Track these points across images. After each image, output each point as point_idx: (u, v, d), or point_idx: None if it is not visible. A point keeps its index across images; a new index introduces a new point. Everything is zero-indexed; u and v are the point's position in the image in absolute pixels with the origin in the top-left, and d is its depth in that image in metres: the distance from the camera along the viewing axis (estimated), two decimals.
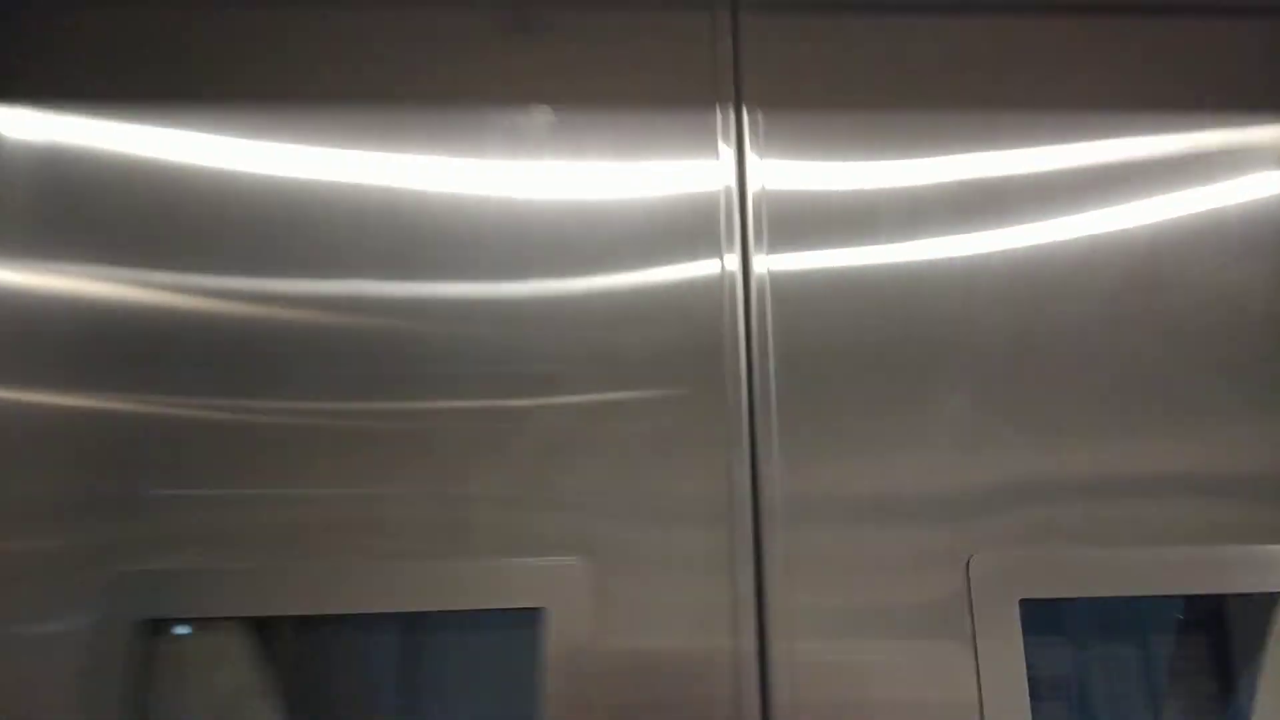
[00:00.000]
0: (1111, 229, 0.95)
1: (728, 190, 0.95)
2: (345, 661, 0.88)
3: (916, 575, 0.85)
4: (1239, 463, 0.91)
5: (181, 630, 0.83)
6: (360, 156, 0.95)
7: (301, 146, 0.95)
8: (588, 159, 0.95)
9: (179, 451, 0.87)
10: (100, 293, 0.90)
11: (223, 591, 0.83)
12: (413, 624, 0.90)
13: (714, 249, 0.92)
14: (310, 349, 0.89)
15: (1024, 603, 0.86)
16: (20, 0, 0.94)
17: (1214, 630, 0.92)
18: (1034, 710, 0.84)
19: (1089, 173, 0.97)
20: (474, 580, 0.83)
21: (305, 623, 0.88)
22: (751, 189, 0.96)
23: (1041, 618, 0.87)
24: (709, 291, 0.91)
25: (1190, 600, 0.94)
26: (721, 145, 0.96)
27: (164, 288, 0.90)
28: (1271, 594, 0.88)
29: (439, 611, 0.84)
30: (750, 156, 0.97)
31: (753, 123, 0.98)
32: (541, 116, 0.93)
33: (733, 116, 0.98)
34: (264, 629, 0.87)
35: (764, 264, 0.93)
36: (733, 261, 0.92)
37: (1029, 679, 0.84)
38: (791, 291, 0.92)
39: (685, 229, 0.93)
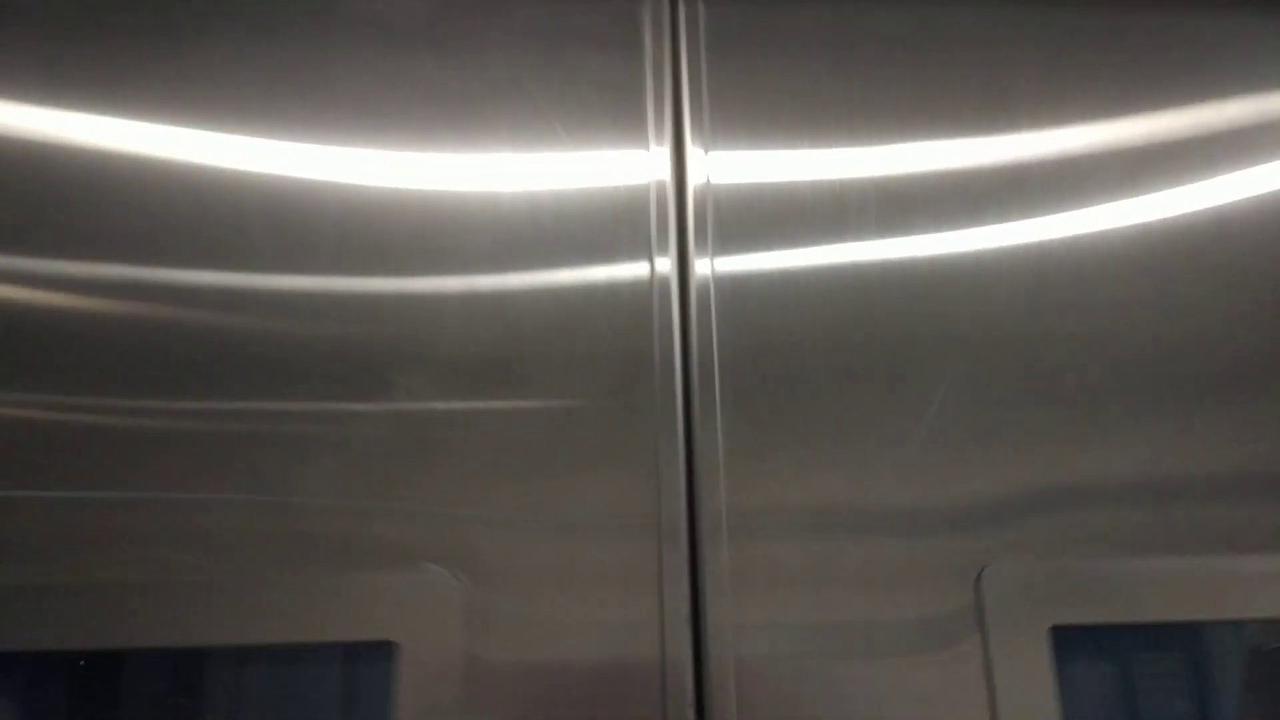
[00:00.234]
0: (1107, 220, 0.90)
1: (660, 185, 0.87)
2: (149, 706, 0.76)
3: (899, 590, 0.78)
4: None
5: None
6: (215, 137, 0.87)
7: (129, 122, 0.86)
8: (499, 148, 0.88)
9: None
10: None
11: None
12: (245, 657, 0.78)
13: (643, 249, 0.84)
14: (130, 340, 0.80)
15: (1057, 630, 0.78)
16: None
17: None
18: None
19: (1081, 160, 0.92)
20: (317, 603, 0.75)
21: (97, 659, 0.76)
22: (693, 182, 0.88)
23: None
24: (635, 295, 0.83)
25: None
26: (653, 135, 0.88)
27: None
28: None
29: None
30: (693, 148, 0.89)
31: (695, 110, 0.90)
32: None
33: (669, 104, 0.90)
34: (45, 665, 0.76)
35: (707, 265, 0.85)
36: (665, 263, 0.84)
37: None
38: (742, 294, 0.85)
39: (608, 226, 0.85)
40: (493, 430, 0.79)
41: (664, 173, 0.88)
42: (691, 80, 0.91)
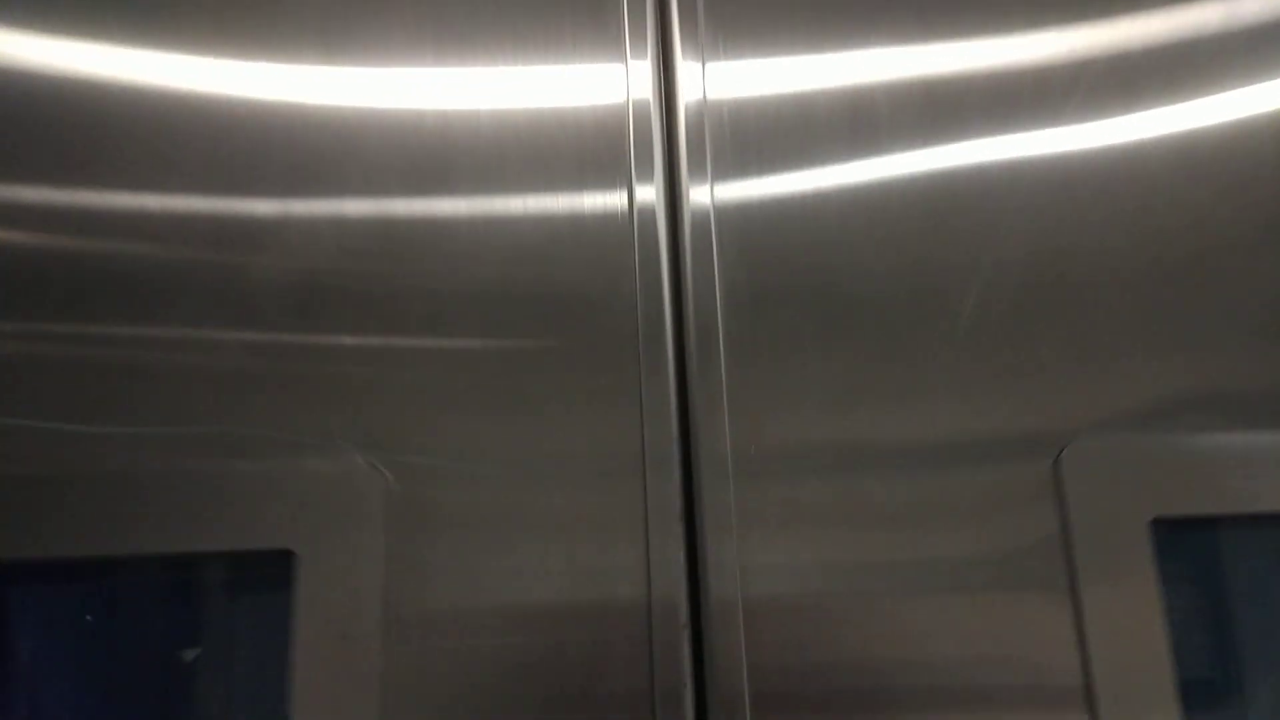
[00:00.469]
0: (1148, 130, 0.83)
1: (640, 104, 0.81)
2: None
3: (950, 522, 0.74)
4: None
5: None
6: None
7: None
8: (466, 62, 0.82)
9: None
10: None
11: None
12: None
13: (619, 176, 0.79)
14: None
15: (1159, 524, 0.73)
16: None
17: None
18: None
19: (1134, 54, 0.85)
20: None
21: None
22: (684, 99, 0.81)
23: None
24: (610, 227, 0.79)
25: None
26: (630, 48, 0.82)
27: None
28: None
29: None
30: (684, 61, 0.82)
31: (687, 18, 0.83)
32: None
33: (652, 12, 0.83)
34: None
35: (705, 192, 0.80)
36: (649, 192, 0.79)
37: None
38: (748, 221, 0.80)
39: (575, 152, 0.80)
40: (451, 369, 0.76)
41: (645, 90, 0.81)
42: None
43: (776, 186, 0.80)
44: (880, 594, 0.72)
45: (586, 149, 0.79)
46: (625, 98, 0.80)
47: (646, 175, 0.78)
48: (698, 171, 0.79)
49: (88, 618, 0.73)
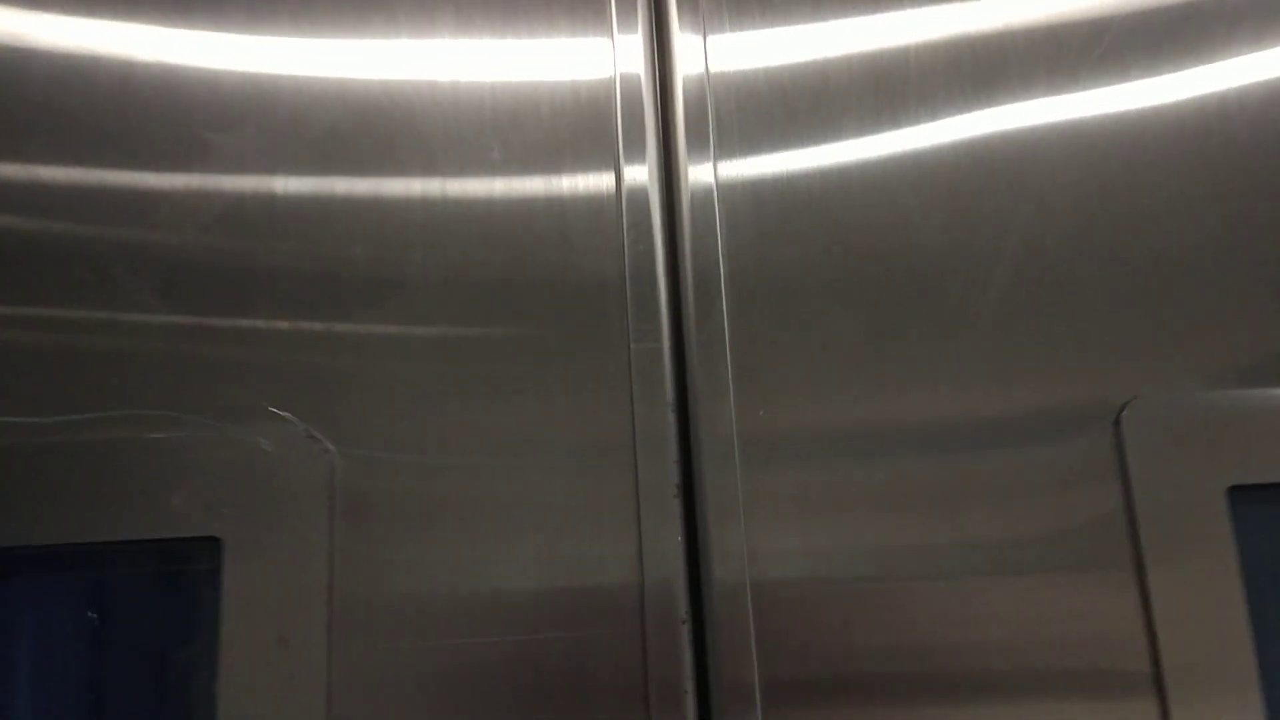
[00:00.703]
0: (1187, 89, 0.81)
1: (629, 80, 0.79)
2: None
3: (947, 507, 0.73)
4: None
5: None
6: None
7: None
8: (437, 32, 0.80)
9: None
10: None
11: None
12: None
13: (606, 157, 0.77)
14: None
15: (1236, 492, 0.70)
16: None
17: None
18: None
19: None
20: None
21: None
22: (681, 74, 0.79)
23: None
24: (597, 210, 0.77)
25: None
26: (616, 21, 0.80)
27: None
28: None
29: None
30: (682, 34, 0.80)
31: None
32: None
33: None
34: None
35: (708, 171, 0.78)
36: (640, 172, 0.77)
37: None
38: (755, 200, 0.78)
39: (556, 132, 0.78)
40: (423, 356, 0.74)
41: (635, 65, 0.79)
42: None
43: (792, 162, 0.77)
44: (918, 578, 0.71)
45: (570, 127, 0.77)
46: (613, 73, 0.77)
47: (638, 154, 0.76)
48: (699, 149, 0.77)
49: None
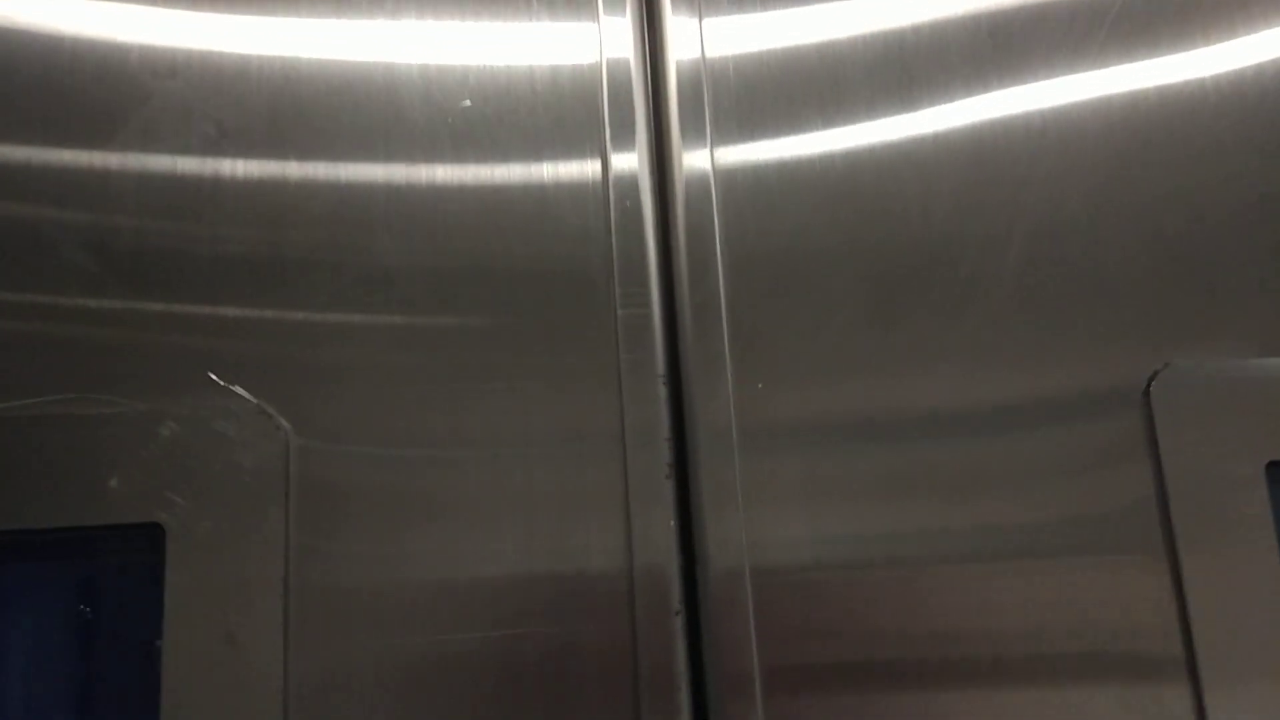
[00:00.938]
0: (1218, 58, 0.81)
1: (616, 65, 0.78)
2: None
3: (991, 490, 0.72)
4: None
5: None
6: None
7: None
8: (423, 13, 0.79)
9: None
10: None
11: None
12: None
13: (591, 144, 0.77)
14: None
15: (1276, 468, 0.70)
16: None
17: None
18: None
19: None
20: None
21: None
22: (674, 58, 0.78)
23: None
24: (583, 198, 0.76)
25: None
26: (604, 5, 0.79)
27: None
28: None
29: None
30: (675, 17, 0.79)
31: None
32: None
33: None
34: None
35: (704, 157, 0.77)
36: (629, 160, 0.77)
37: None
38: (755, 187, 0.78)
39: (536, 119, 0.77)
40: (395, 346, 0.73)
41: (624, 50, 0.78)
42: None
43: (798, 147, 0.77)
44: (933, 564, 0.70)
45: (551, 114, 0.76)
46: (599, 58, 0.76)
47: (626, 141, 0.75)
48: (694, 135, 0.76)
49: None
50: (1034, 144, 0.79)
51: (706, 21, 0.77)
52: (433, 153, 0.75)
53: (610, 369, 0.73)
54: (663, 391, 0.73)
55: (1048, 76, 0.80)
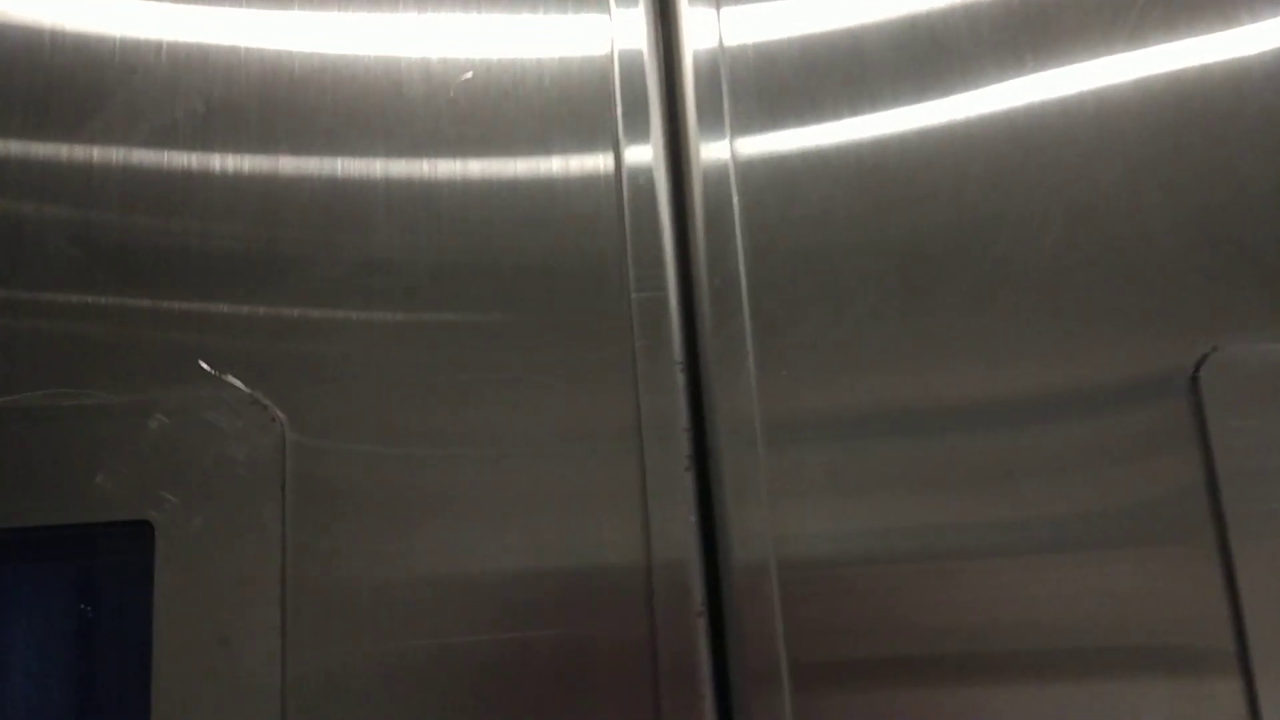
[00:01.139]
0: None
1: (629, 56, 0.77)
2: None
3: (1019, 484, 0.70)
4: None
5: None
6: None
7: None
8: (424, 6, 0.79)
9: None
10: None
11: None
12: None
13: (604, 136, 0.76)
14: None
15: None
16: None
17: None
18: None
19: None
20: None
21: None
22: (690, 48, 0.77)
23: None
24: (595, 192, 0.75)
25: None
26: None
27: None
28: None
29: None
30: (691, 7, 0.78)
31: None
32: None
33: None
34: None
35: (724, 148, 0.76)
36: (643, 152, 0.76)
37: None
38: (775, 178, 0.77)
39: (547, 112, 0.76)
40: (423, 346, 0.72)
41: (637, 41, 0.77)
42: None
43: (822, 132, 0.75)
44: (969, 557, 0.69)
45: (563, 107, 0.75)
46: (610, 49, 0.76)
47: (640, 134, 0.75)
48: (712, 124, 0.75)
49: None
50: (1071, 120, 0.78)
51: (725, 9, 0.77)
52: (435, 145, 0.74)
53: (625, 357, 0.72)
54: (681, 379, 0.72)
55: (1084, 50, 0.78)
